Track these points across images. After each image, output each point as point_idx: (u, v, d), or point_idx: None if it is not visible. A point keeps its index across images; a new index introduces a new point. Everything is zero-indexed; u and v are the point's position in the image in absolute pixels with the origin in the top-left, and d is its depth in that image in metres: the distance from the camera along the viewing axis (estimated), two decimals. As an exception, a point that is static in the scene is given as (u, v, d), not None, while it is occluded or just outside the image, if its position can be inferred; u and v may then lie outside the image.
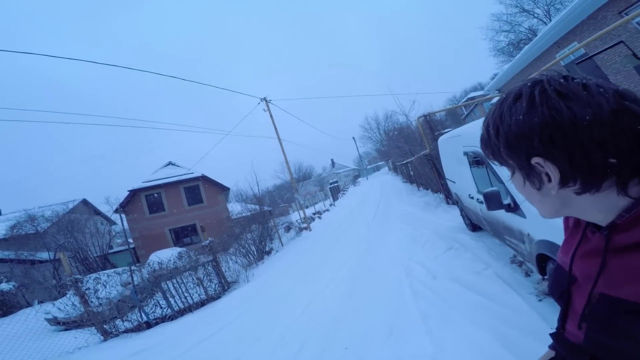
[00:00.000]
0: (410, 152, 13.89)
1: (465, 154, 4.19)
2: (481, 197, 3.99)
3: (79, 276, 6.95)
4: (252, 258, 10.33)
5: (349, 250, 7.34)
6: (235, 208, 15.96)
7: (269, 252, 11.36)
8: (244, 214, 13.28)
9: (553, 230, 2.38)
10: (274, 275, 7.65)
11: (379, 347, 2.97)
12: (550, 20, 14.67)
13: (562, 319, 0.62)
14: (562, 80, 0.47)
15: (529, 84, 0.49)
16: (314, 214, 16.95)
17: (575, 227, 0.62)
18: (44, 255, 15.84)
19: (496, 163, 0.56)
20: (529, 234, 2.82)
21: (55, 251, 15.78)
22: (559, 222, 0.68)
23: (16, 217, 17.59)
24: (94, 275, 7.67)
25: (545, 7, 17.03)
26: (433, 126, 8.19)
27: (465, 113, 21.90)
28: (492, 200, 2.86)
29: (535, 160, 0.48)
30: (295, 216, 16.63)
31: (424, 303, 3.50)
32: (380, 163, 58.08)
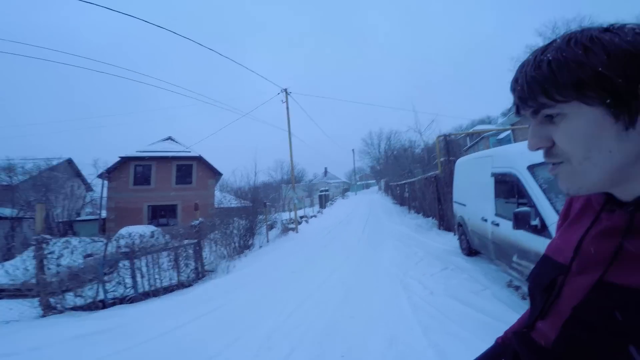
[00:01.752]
0: (411, 172, 13.89)
1: (494, 174, 4.14)
2: (497, 220, 3.99)
3: (48, 236, 6.31)
4: (231, 250, 9.96)
5: (338, 258, 7.16)
6: (226, 197, 15.53)
7: (249, 247, 11.01)
8: (233, 205, 12.90)
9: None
10: (258, 271, 7.30)
11: (380, 357, 2.78)
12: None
13: (536, 315, 0.53)
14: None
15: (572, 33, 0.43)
16: (301, 217, 16.69)
17: (583, 211, 0.54)
18: (6, 211, 14.40)
19: (550, 103, 0.42)
20: None
21: (20, 209, 14.60)
22: None
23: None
24: (64, 238, 7.08)
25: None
26: (451, 148, 8.05)
27: (469, 145, 21.36)
28: (522, 220, 2.88)
29: None
30: (280, 216, 16.32)
31: (424, 316, 3.39)
32: (371, 182, 58.27)
